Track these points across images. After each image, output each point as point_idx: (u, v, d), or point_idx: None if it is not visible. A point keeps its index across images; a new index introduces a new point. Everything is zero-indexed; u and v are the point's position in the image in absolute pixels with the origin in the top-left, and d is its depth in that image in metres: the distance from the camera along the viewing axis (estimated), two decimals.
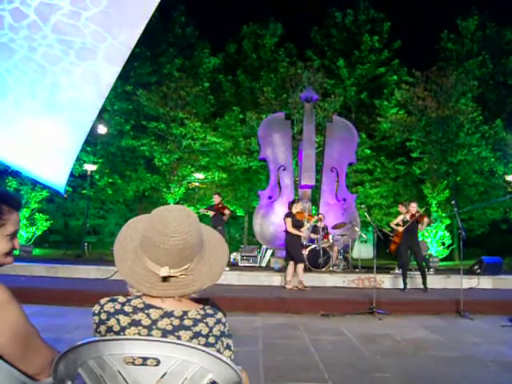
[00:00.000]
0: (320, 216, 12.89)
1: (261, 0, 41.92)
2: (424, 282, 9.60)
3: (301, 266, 9.62)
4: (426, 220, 10.52)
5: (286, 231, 9.84)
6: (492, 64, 28.18)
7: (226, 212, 12.19)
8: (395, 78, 28.94)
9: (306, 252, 12.02)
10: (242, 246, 15.69)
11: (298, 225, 9.81)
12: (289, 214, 9.96)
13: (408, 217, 9.86)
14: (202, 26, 31.09)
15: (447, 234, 22.76)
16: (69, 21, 3.27)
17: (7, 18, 3.14)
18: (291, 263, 9.69)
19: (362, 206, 10.91)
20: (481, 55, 28.05)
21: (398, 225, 10.07)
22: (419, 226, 10.08)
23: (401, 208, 11.40)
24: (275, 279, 10.47)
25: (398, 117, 25.27)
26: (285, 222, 9.90)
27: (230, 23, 35.20)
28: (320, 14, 33.40)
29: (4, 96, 3.43)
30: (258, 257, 14.08)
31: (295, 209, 9.97)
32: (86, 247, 18.59)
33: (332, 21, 31.67)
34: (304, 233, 10.39)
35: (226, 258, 1.62)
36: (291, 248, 9.88)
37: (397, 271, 11.75)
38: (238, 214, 28.60)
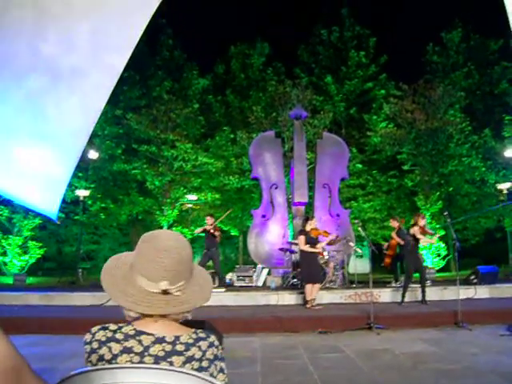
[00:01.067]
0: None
1: (247, 20, 42.39)
2: (424, 295, 9.58)
3: (308, 286, 9.46)
4: (436, 236, 10.77)
5: (301, 249, 9.76)
6: (478, 74, 28.51)
7: (217, 234, 12.20)
8: (383, 92, 29.16)
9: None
10: (237, 266, 15.60)
11: (312, 242, 9.64)
12: (302, 232, 9.87)
13: (419, 230, 9.86)
14: (189, 48, 31.34)
15: (442, 245, 22.78)
16: (60, 51, 3.29)
17: None
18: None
19: (356, 220, 10.83)
20: (466, 66, 28.40)
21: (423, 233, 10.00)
22: (423, 239, 10.14)
23: (392, 222, 11.40)
24: (272, 298, 10.40)
25: (387, 130, 25.44)
26: (299, 240, 9.82)
27: (217, 44, 35.50)
28: (306, 31, 33.79)
29: None
30: (254, 276, 14.00)
31: (309, 226, 9.78)
32: (80, 273, 18.45)
33: (318, 38, 31.98)
34: (319, 249, 10.03)
35: (211, 281, 1.67)
36: (302, 266, 9.94)
37: (393, 284, 11.72)
38: (232, 233, 28.55)
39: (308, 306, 9.34)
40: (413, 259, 9.79)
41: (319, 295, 10.15)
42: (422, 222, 9.98)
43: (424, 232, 10.08)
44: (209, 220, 12.43)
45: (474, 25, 29.11)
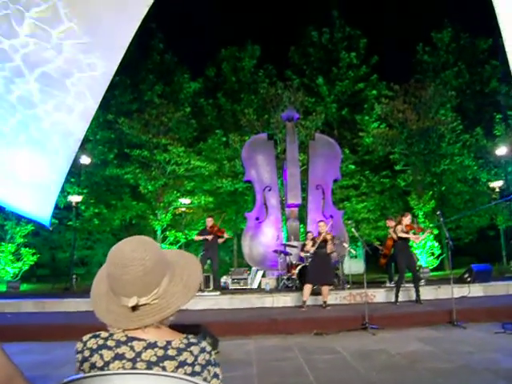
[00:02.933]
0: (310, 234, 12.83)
1: (238, 23, 42.38)
2: (418, 295, 9.58)
3: (305, 286, 9.70)
4: (428, 231, 10.65)
5: None
6: (468, 74, 28.67)
7: (225, 235, 12.31)
8: (374, 92, 29.24)
9: (296, 271, 12.00)
10: (231, 268, 15.59)
11: (319, 245, 9.78)
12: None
13: (404, 228, 9.87)
14: (180, 51, 31.39)
15: (436, 244, 22.84)
16: (58, 76, 3.28)
17: (7, 73, 3.13)
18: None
19: (350, 221, 10.86)
20: (457, 66, 28.56)
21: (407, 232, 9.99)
22: (416, 237, 10.16)
23: (389, 222, 11.38)
24: (267, 300, 10.38)
25: (379, 131, 25.53)
26: None
27: (208, 47, 35.51)
28: (297, 33, 33.80)
29: None
30: (249, 279, 13.99)
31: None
32: (74, 279, 18.35)
33: (309, 40, 32.03)
34: (310, 249, 10.09)
35: (199, 274, 1.59)
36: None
37: (388, 284, 11.73)
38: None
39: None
40: (403, 258, 9.78)
41: (314, 296, 10.16)
42: (405, 221, 9.99)
43: (411, 229, 10.07)
44: (210, 222, 12.41)
45: (464, 24, 29.33)
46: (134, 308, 1.41)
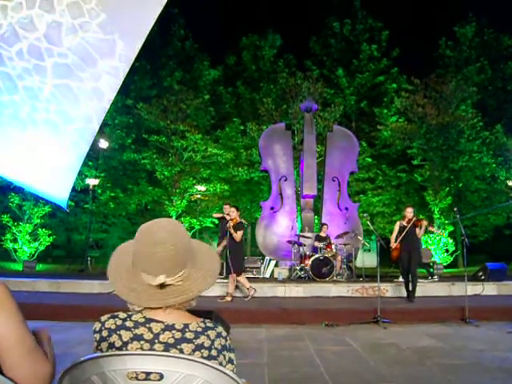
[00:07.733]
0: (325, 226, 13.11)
1: (259, 12, 42.23)
2: (413, 290, 9.29)
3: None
4: (424, 223, 10.18)
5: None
6: (491, 70, 28.30)
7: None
8: (394, 86, 29.03)
9: (309, 262, 12.01)
10: (245, 257, 15.65)
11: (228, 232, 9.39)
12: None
13: (405, 222, 9.65)
14: (201, 38, 31.40)
15: (450, 240, 22.70)
16: (78, 94, 3.32)
17: (30, 66, 3.16)
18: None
19: (365, 214, 10.78)
20: (479, 61, 28.20)
21: (399, 232, 9.74)
22: (417, 230, 9.79)
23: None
24: (279, 290, 10.42)
25: (398, 124, 25.32)
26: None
27: (228, 35, 35.39)
28: (318, 24, 33.64)
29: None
30: (262, 268, 14.04)
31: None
32: (89, 262, 18.56)
33: (330, 31, 31.85)
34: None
35: (218, 264, 1.65)
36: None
37: (400, 279, 11.69)
38: None
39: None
40: (404, 252, 9.43)
41: (327, 288, 10.18)
42: (407, 215, 9.69)
43: (418, 223, 9.78)
44: (227, 209, 12.55)
45: (488, 19, 28.92)
46: (160, 287, 1.45)
